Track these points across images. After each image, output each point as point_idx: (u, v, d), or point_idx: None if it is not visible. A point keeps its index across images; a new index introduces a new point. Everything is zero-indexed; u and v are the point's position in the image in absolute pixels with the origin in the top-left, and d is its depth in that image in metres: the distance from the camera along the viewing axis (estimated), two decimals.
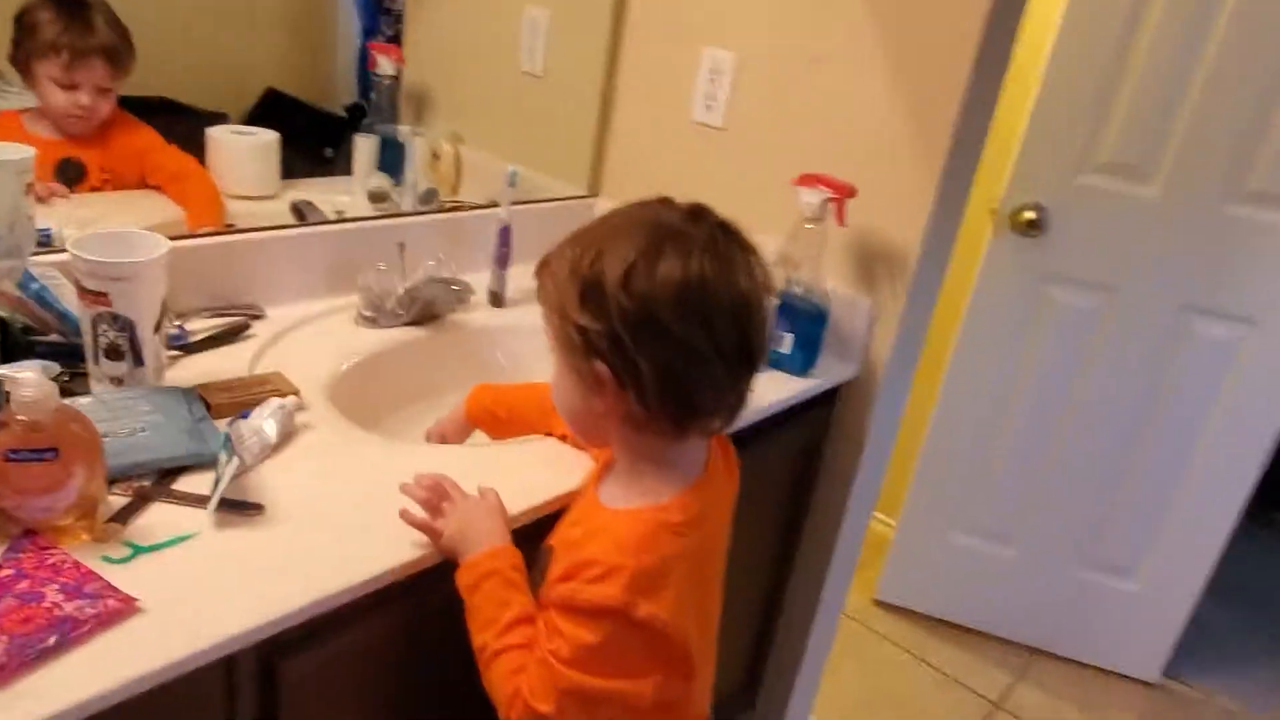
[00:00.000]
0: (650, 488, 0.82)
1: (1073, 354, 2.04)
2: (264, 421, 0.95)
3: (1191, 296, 1.94)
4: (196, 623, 0.72)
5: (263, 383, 1.06)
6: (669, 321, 0.75)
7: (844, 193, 1.31)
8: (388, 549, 0.84)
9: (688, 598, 0.79)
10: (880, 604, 2.40)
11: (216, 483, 0.84)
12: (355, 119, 1.41)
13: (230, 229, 1.26)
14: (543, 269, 0.83)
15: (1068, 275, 1.98)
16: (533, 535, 0.92)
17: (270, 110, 1.30)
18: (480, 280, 1.45)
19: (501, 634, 0.81)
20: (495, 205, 1.47)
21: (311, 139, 1.40)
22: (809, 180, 1.33)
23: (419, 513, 0.87)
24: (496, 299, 1.47)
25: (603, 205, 1.74)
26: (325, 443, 1.00)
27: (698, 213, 0.81)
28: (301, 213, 1.36)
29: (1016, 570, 2.26)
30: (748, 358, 0.80)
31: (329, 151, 1.43)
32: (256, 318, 1.24)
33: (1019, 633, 2.33)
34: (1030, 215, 1.92)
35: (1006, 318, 2.05)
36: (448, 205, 1.54)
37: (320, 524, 0.86)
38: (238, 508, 0.85)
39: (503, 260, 1.45)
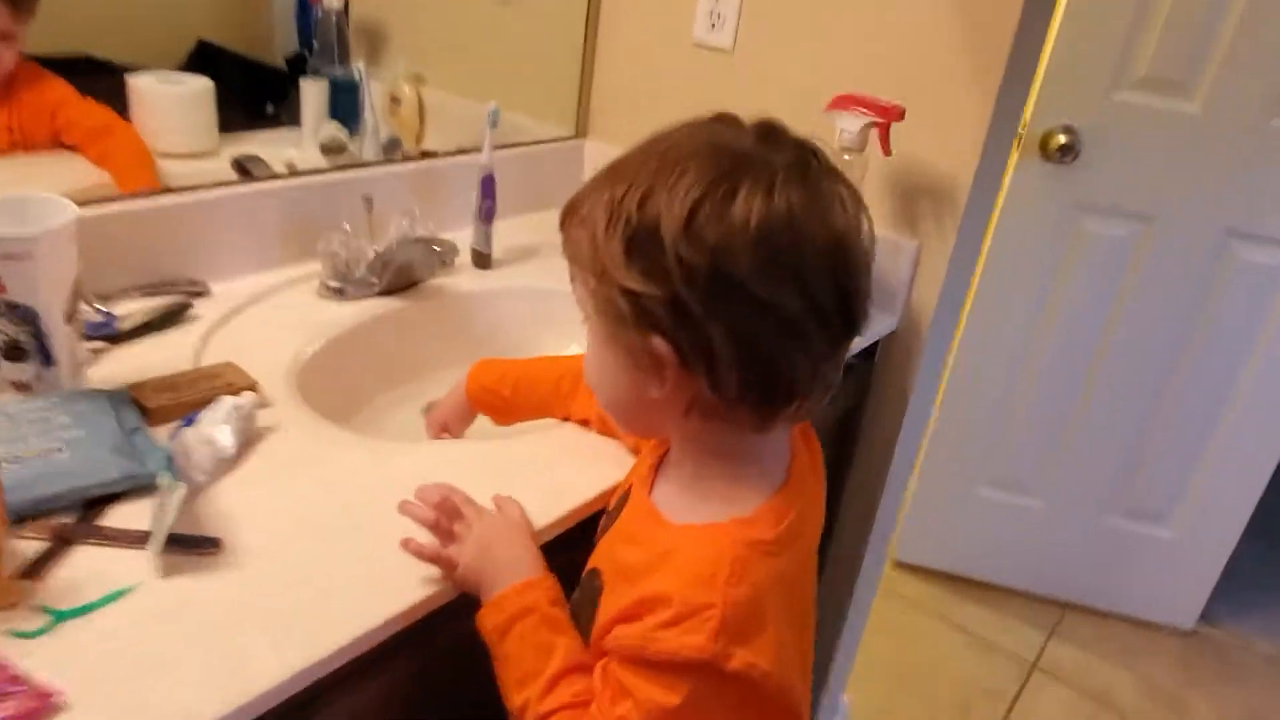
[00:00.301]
0: (727, 494, 0.64)
1: (1106, 287, 1.89)
2: (216, 428, 0.78)
3: (1235, 220, 1.79)
4: (143, 713, 0.55)
5: (212, 377, 0.88)
6: (749, 278, 0.56)
7: (890, 116, 1.12)
8: (387, 588, 0.67)
9: (787, 635, 0.62)
10: (900, 565, 2.26)
11: (159, 514, 0.66)
12: (297, 71, 1.25)
13: (163, 190, 1.07)
14: (570, 216, 0.63)
15: (1102, 202, 1.82)
16: (559, 549, 0.75)
17: (203, 65, 1.14)
18: (462, 239, 1.27)
19: (547, 691, 0.63)
20: (473, 151, 1.27)
21: (250, 94, 1.24)
22: (846, 102, 1.14)
23: (426, 539, 0.69)
24: (482, 259, 1.28)
25: (592, 147, 1.55)
26: (295, 448, 0.83)
27: (772, 132, 0.62)
28: (246, 169, 1.17)
29: (1044, 522, 2.14)
30: (848, 316, 0.61)
31: (270, 107, 1.26)
32: (199, 295, 1.06)
33: (1048, 587, 2.22)
34: (1062, 139, 1.75)
35: (1034, 251, 1.89)
36: (415, 156, 1.34)
37: (296, 559, 0.69)
38: (188, 545, 0.67)
39: (488, 214, 1.25)
